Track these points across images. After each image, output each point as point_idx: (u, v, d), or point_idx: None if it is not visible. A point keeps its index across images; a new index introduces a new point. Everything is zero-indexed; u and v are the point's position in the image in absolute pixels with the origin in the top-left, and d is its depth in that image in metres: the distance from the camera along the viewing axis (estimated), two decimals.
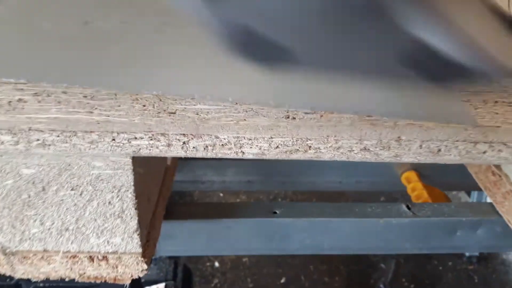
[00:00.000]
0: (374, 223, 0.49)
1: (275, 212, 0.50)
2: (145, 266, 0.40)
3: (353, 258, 2.13)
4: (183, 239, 0.50)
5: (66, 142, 0.31)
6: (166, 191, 0.49)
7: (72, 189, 0.35)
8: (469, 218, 0.50)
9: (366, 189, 0.68)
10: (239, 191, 2.17)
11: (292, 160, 0.68)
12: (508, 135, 0.31)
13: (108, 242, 0.38)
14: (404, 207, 0.50)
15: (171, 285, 1.23)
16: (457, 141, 0.32)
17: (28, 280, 0.54)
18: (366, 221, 0.49)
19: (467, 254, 2.03)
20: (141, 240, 0.38)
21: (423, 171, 0.66)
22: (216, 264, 2.12)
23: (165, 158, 0.49)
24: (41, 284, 0.53)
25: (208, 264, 2.12)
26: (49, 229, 0.37)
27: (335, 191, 2.22)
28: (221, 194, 2.16)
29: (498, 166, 0.51)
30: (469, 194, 1.42)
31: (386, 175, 0.66)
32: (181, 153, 0.32)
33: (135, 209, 0.36)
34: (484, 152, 0.33)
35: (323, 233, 0.50)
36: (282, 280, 2.02)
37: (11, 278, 0.54)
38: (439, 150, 0.32)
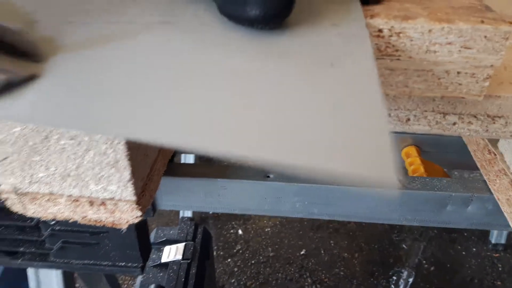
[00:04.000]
0: (362, 192, 0.51)
1: (268, 176, 0.52)
2: (139, 213, 0.43)
3: (375, 236, 2.14)
4: (182, 194, 0.54)
5: None
6: (168, 150, 0.52)
7: (71, 139, 0.39)
8: (459, 193, 0.50)
9: None
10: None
11: None
12: (475, 107, 0.32)
13: (105, 189, 0.42)
14: None
15: (190, 245, 1.29)
16: (425, 111, 0.33)
17: (46, 223, 0.60)
18: (354, 190, 0.51)
19: (492, 241, 1.99)
20: (135, 190, 0.42)
21: (424, 147, 0.66)
22: (240, 231, 2.19)
23: None
24: (57, 227, 0.58)
25: (232, 231, 2.20)
26: (53, 174, 0.41)
27: None
28: None
29: (494, 145, 0.51)
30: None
31: None
32: None
33: (128, 159, 0.39)
34: (454, 124, 0.34)
35: (313, 198, 0.52)
36: (302, 252, 2.07)
37: (31, 219, 0.60)
38: (408, 119, 0.34)
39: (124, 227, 0.45)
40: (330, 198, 0.53)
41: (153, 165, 0.47)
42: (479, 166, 0.54)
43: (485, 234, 2.07)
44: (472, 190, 0.51)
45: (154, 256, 1.26)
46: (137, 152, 0.42)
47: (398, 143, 0.66)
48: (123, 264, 0.61)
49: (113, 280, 1.15)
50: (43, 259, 0.63)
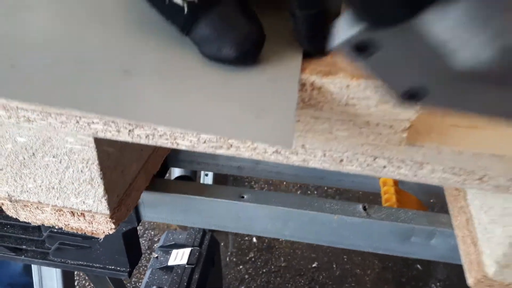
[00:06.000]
0: (329, 218, 0.53)
1: (243, 197, 0.56)
2: (113, 226, 0.48)
3: (390, 255, 2.12)
4: (164, 208, 0.59)
5: (44, 120, 0.40)
6: (152, 167, 0.57)
7: (53, 157, 0.44)
8: (422, 226, 0.52)
9: (347, 187, 0.71)
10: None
11: None
12: (401, 154, 0.35)
13: (83, 202, 0.47)
14: (360, 207, 0.54)
15: (196, 251, 1.34)
16: (356, 153, 0.36)
17: (44, 225, 0.66)
18: (321, 215, 0.53)
19: None
20: (109, 204, 0.47)
21: None
22: (254, 239, 2.22)
23: None
24: (55, 229, 0.64)
25: (246, 238, 2.23)
26: (40, 186, 0.47)
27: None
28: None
29: None
30: None
31: (367, 177, 0.68)
32: (129, 139, 0.39)
33: (101, 178, 0.44)
34: (384, 167, 0.36)
35: (283, 221, 0.55)
36: (314, 264, 2.07)
37: None
38: (341, 160, 0.36)
39: (101, 236, 0.50)
40: (300, 222, 0.56)
41: (132, 182, 0.52)
42: (448, 201, 0.55)
43: None
44: (435, 224, 0.53)
45: (162, 258, 1.32)
46: (112, 172, 0.47)
47: None
48: (112, 267, 0.67)
49: (117, 280, 1.21)
50: (43, 258, 0.69)
